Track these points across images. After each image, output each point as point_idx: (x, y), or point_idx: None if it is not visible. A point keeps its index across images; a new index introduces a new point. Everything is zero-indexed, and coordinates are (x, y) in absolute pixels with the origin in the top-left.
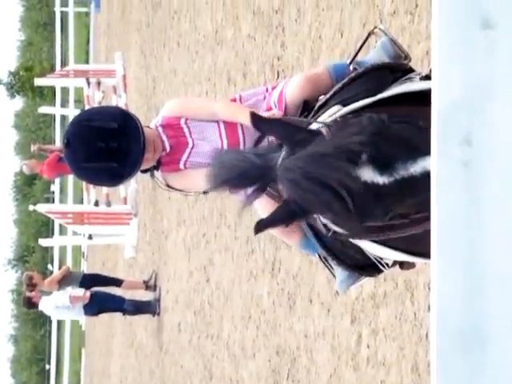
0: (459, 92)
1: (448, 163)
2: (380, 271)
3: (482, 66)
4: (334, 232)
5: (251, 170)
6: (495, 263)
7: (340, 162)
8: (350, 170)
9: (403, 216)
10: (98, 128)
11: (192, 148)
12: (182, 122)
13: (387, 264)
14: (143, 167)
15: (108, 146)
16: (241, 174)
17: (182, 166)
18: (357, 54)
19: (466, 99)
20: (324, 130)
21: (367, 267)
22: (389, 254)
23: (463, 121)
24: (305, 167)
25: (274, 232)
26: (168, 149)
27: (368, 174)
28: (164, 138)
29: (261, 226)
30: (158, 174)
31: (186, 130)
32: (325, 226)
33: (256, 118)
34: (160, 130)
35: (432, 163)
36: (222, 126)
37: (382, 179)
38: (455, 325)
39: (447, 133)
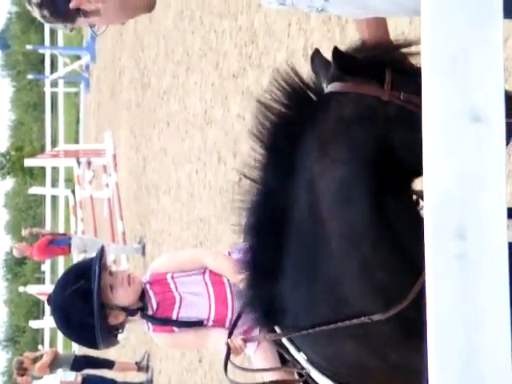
0: (451, 185)
1: (442, 257)
2: None
3: (473, 159)
4: None
5: None
6: (492, 360)
7: None
8: None
9: None
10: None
11: (180, 302)
12: (169, 276)
13: None
14: (129, 303)
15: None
16: None
17: (174, 317)
18: None
19: (458, 192)
20: None
21: None
22: None
23: (456, 214)
24: None
25: None
26: (155, 306)
27: None
28: (151, 294)
29: None
30: (146, 316)
31: (172, 286)
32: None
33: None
34: (147, 286)
35: (427, 258)
36: (207, 277)
37: None
38: None
39: (440, 226)
